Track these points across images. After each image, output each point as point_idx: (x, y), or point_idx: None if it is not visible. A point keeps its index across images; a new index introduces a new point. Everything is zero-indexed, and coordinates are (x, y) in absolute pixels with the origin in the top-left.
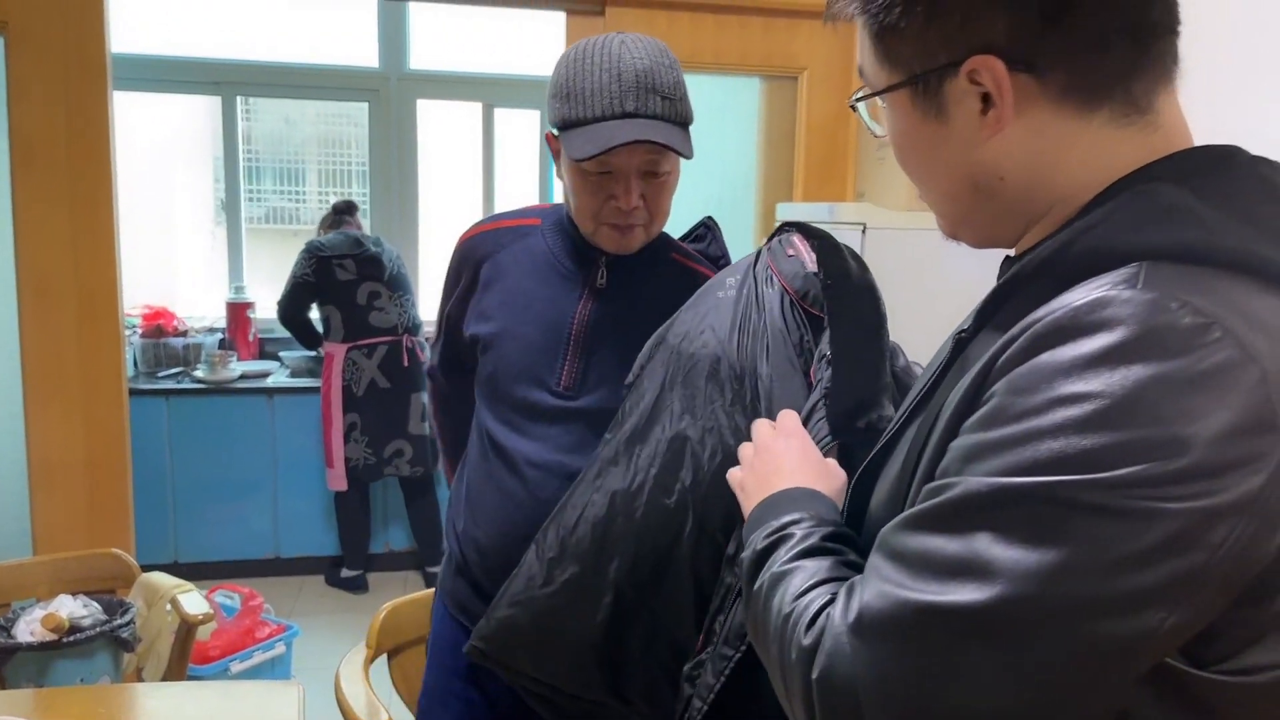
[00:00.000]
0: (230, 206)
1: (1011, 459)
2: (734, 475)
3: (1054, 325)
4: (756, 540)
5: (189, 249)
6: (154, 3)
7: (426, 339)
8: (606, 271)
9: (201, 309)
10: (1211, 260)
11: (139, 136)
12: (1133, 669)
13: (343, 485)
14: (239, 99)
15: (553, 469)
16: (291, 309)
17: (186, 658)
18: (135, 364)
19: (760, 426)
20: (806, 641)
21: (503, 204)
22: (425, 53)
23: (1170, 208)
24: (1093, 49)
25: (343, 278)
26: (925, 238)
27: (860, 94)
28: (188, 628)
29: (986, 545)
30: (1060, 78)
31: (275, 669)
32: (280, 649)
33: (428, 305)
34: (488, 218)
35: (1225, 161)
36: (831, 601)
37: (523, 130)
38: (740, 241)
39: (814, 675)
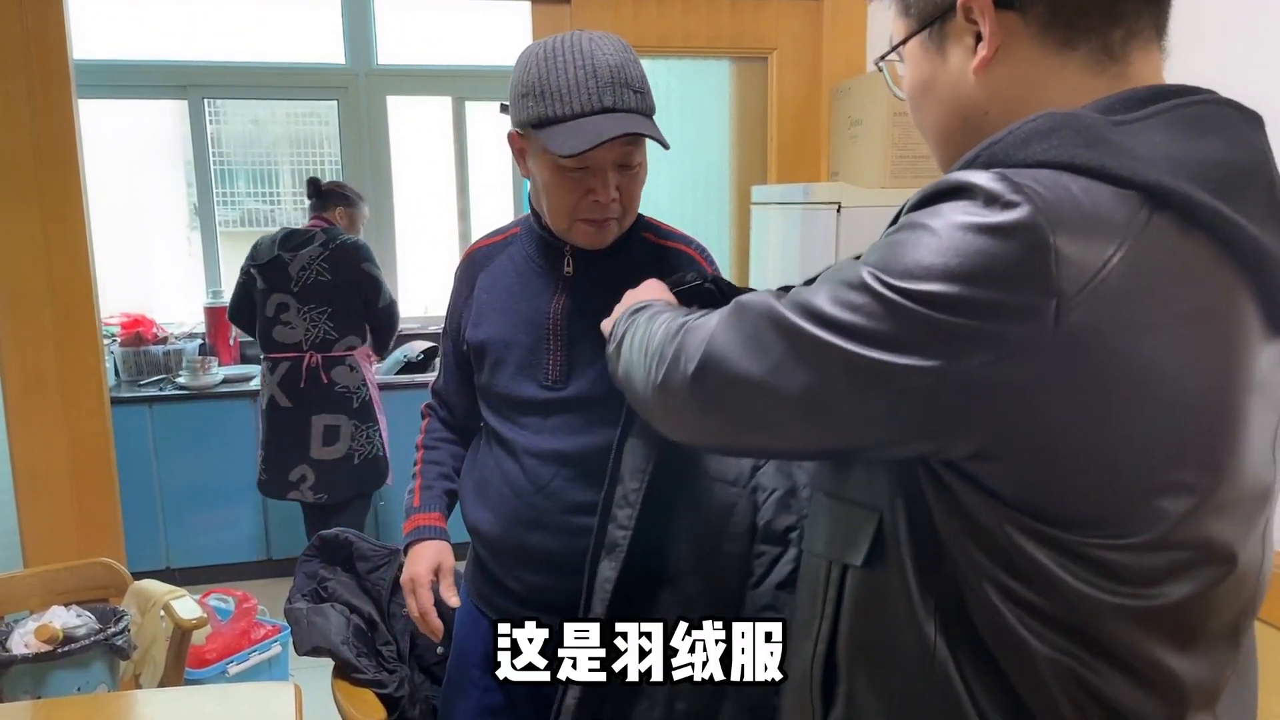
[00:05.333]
0: (203, 211)
1: (865, 258)
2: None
3: (920, 194)
4: (621, 317)
5: (164, 255)
6: (115, 7)
7: (352, 351)
8: (573, 260)
9: (180, 315)
10: (1077, 170)
11: (108, 144)
12: (875, 424)
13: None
14: (206, 102)
15: (547, 456)
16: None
17: (182, 663)
18: (116, 373)
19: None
20: (673, 326)
21: (477, 197)
22: (393, 48)
23: (1053, 127)
24: None
25: (260, 287)
26: None
27: (884, 52)
28: (182, 633)
29: (825, 302)
30: (1041, 12)
31: (272, 670)
32: (276, 650)
33: (409, 301)
34: (481, 236)
35: (1175, 95)
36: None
37: (494, 123)
38: (717, 225)
39: (674, 345)
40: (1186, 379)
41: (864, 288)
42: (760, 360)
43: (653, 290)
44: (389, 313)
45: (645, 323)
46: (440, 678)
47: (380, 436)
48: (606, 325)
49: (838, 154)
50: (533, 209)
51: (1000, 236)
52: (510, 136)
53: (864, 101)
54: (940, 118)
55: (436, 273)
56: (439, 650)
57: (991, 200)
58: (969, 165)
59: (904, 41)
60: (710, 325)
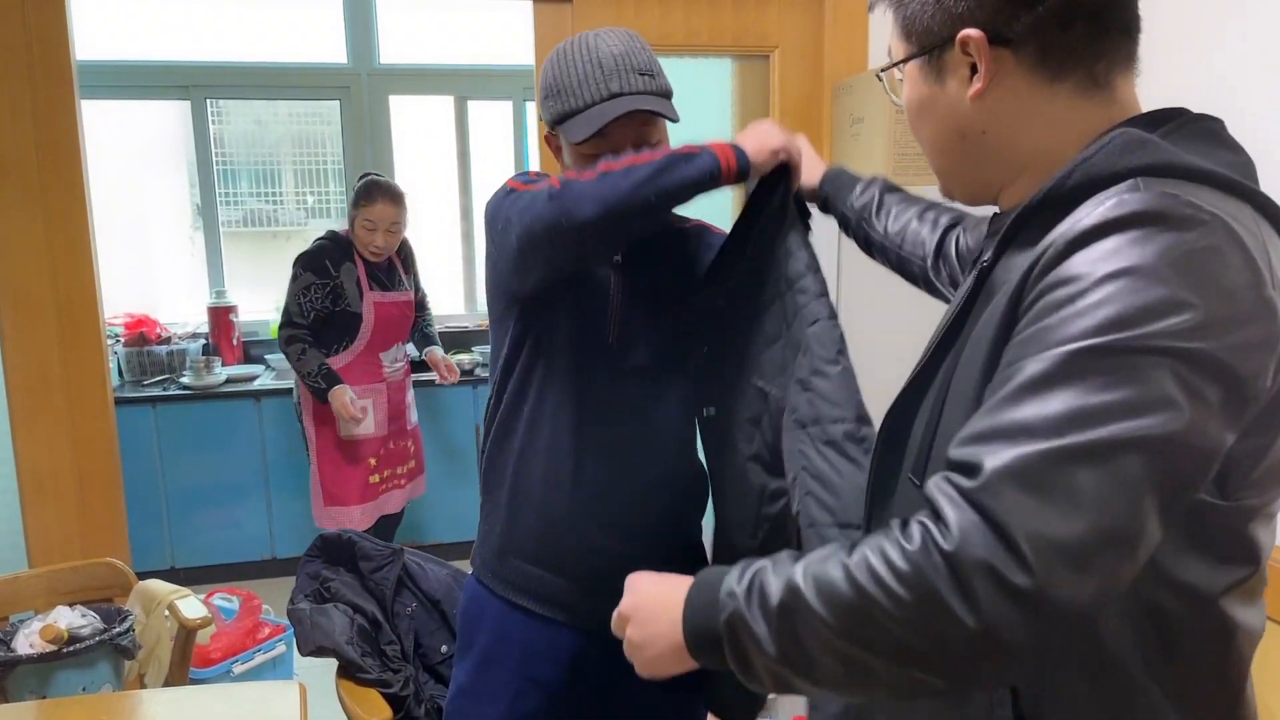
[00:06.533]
0: (206, 211)
1: (1073, 330)
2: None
3: (1081, 230)
4: (731, 600)
5: (167, 255)
6: (117, 8)
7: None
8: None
9: (183, 315)
10: (1183, 174)
11: (111, 144)
12: (1203, 477)
13: None
14: (208, 102)
15: (610, 425)
16: None
17: (187, 662)
18: (120, 373)
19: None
20: (910, 563)
21: (480, 196)
22: (395, 48)
23: (1144, 140)
24: (1057, 27)
25: None
26: None
27: (884, 65)
28: (186, 632)
29: (1075, 399)
30: (1032, 51)
31: (277, 669)
32: (281, 649)
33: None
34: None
35: (1177, 116)
36: (885, 539)
37: (496, 122)
38: (719, 225)
39: (934, 574)
40: None
41: (1107, 354)
42: (1078, 505)
43: (670, 583)
44: (283, 318)
45: (810, 604)
46: (445, 677)
47: (312, 455)
48: (636, 633)
49: (839, 152)
50: None
51: (1218, 254)
52: (546, 139)
53: (866, 99)
54: (938, 134)
55: (439, 271)
56: (443, 650)
57: (1184, 223)
58: (1065, 182)
59: (903, 61)
60: (960, 526)
